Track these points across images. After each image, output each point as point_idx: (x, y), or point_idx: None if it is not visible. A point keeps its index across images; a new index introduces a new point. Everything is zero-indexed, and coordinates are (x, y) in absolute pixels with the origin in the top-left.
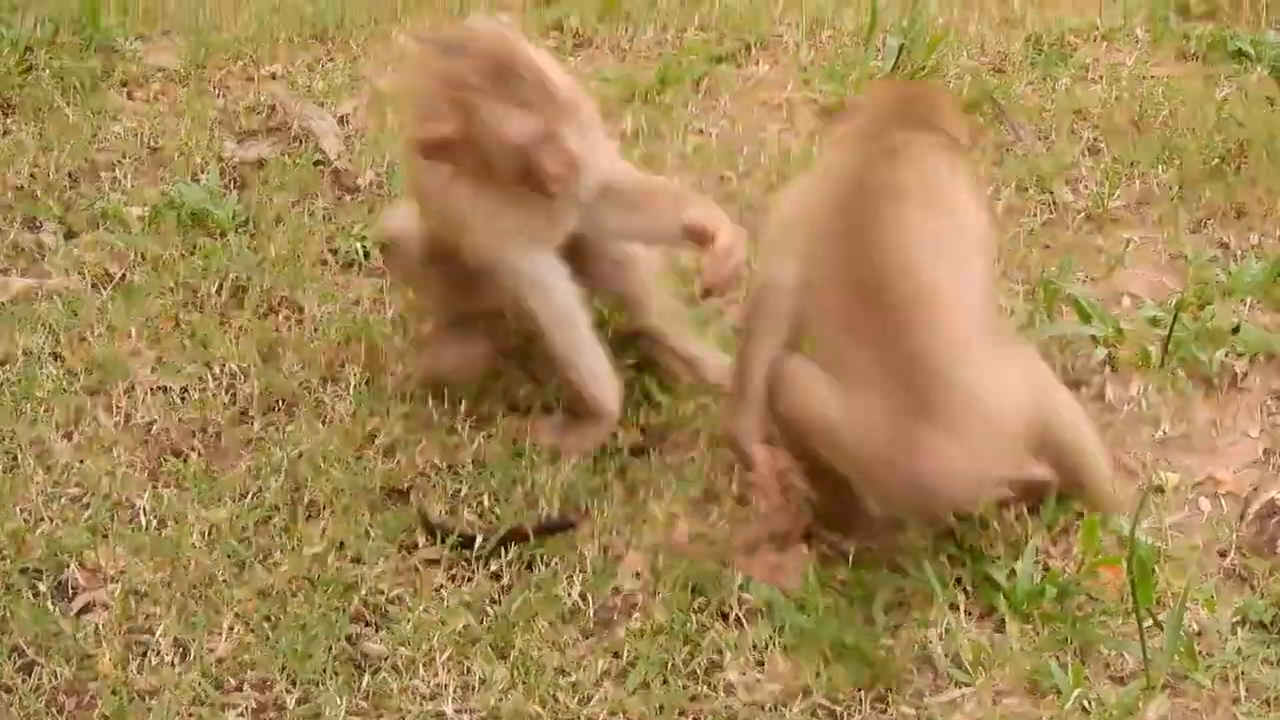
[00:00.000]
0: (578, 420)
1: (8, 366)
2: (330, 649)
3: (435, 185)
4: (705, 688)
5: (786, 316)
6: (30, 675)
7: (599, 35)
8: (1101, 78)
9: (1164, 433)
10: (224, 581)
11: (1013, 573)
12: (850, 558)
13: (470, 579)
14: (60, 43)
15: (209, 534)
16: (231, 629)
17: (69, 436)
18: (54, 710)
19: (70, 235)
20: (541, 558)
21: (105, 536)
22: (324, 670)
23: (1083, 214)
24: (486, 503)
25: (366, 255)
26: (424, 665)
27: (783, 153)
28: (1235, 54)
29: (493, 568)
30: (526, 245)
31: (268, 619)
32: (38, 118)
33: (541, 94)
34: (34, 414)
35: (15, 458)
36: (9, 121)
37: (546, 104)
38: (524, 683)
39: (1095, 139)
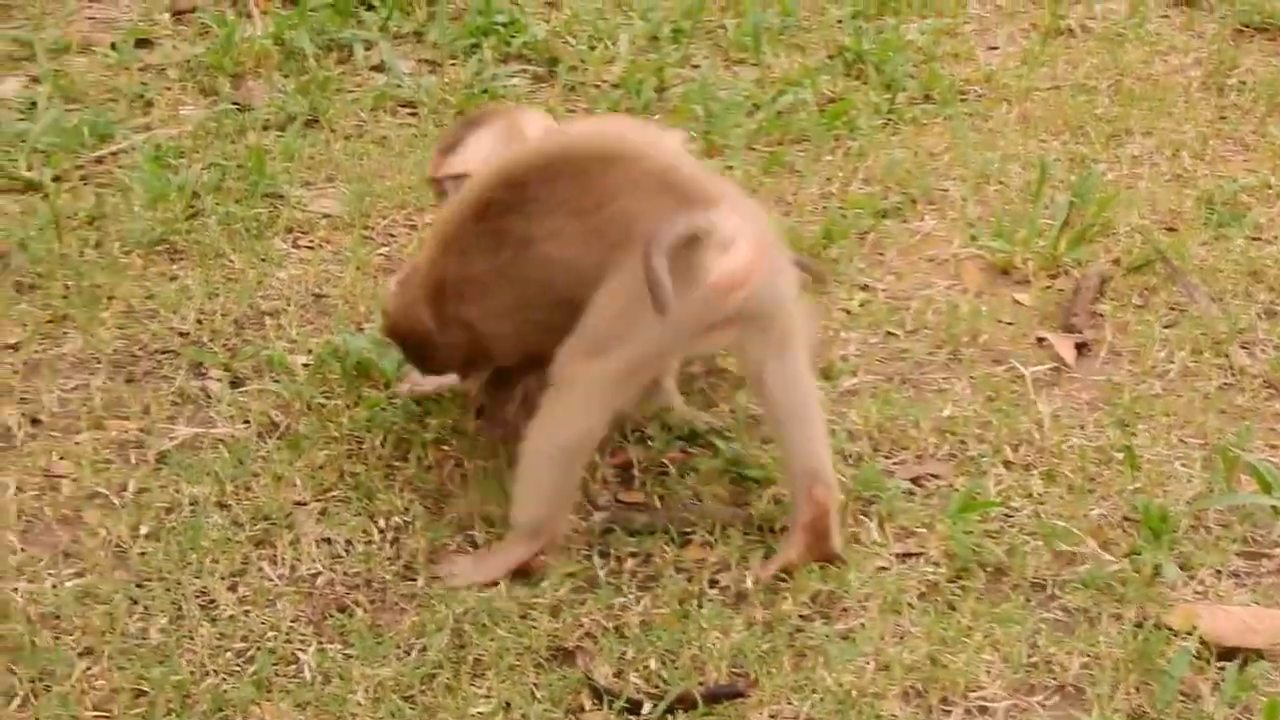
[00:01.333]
0: None
1: (173, 515)
2: None
3: None
4: None
5: None
6: None
7: (764, 188)
8: (1277, 238)
9: None
10: None
11: None
12: None
13: None
14: (226, 188)
15: (374, 691)
16: None
17: (234, 588)
18: None
19: (236, 383)
20: None
21: (270, 691)
22: None
23: (1260, 379)
24: (653, 666)
25: None
26: None
27: (950, 309)
28: None
29: None
30: None
31: None
32: (204, 264)
33: None
34: (199, 564)
35: (180, 608)
36: (175, 267)
37: None
38: None
39: (1272, 301)
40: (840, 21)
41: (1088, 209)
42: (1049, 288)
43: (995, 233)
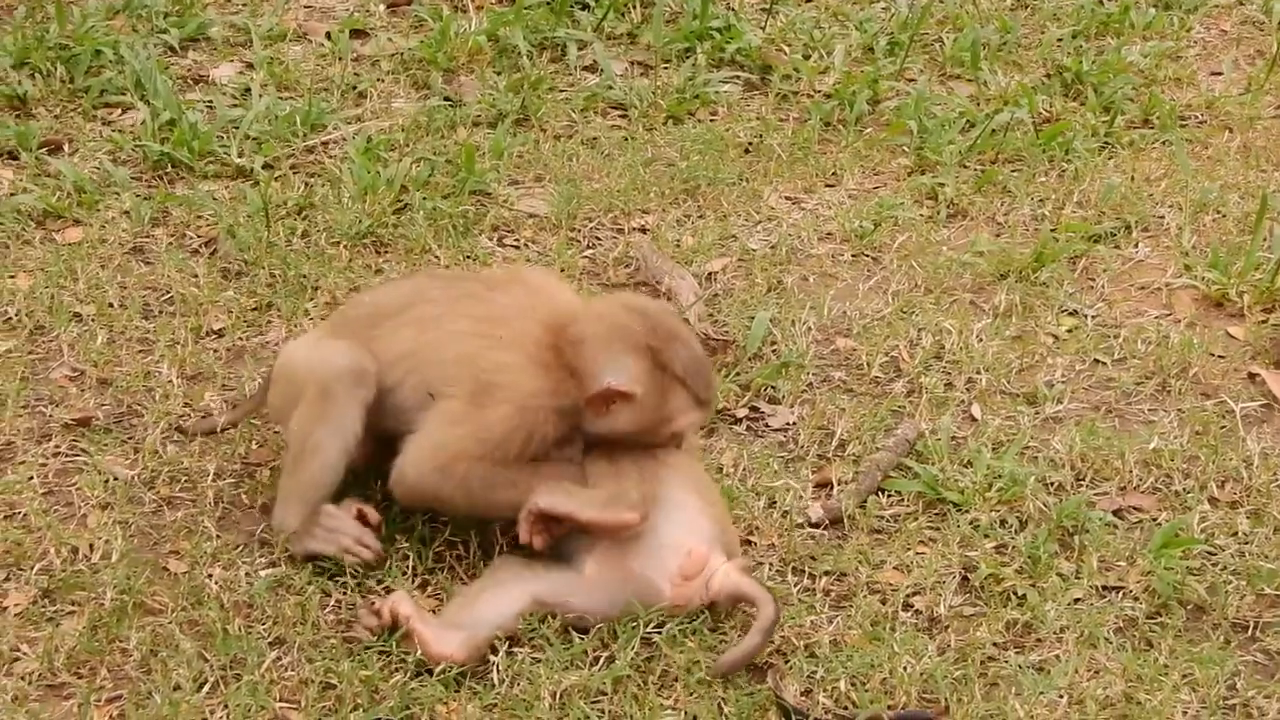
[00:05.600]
0: None
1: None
2: None
3: None
4: None
5: None
6: None
7: (975, 207)
8: None
9: None
10: None
11: None
12: None
13: None
14: (435, 183)
15: (560, 697)
16: None
17: (424, 586)
18: None
19: None
20: None
21: (458, 691)
22: None
23: None
24: (843, 687)
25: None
26: None
27: (1160, 340)
28: None
29: None
30: None
31: None
32: (409, 258)
33: None
34: (392, 560)
35: (373, 604)
36: (380, 260)
37: None
38: None
39: None
40: (1060, 40)
41: None
42: (1264, 322)
43: (1211, 263)
